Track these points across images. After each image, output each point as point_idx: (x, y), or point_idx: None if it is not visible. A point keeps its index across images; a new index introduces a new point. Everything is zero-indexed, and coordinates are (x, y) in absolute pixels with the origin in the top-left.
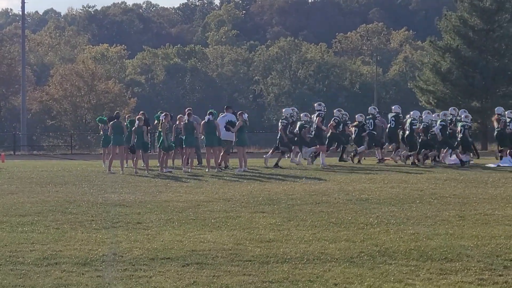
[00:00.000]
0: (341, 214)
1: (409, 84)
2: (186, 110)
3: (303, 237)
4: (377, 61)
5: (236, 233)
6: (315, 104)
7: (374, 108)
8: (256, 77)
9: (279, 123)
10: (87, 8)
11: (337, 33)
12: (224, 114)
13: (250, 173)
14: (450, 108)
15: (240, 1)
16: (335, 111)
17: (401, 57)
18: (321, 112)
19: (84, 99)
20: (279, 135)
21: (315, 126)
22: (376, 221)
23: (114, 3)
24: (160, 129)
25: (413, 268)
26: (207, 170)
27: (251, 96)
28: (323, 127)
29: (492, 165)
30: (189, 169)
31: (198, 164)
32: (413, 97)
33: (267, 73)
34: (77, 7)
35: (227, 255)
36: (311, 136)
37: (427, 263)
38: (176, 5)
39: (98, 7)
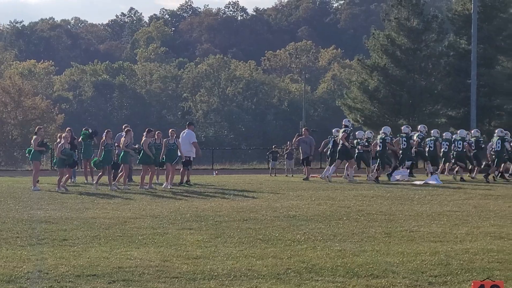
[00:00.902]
0: (268, 231)
1: (337, 102)
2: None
3: (230, 254)
4: (306, 79)
5: (163, 250)
6: (344, 120)
7: (407, 127)
8: (184, 94)
9: (340, 133)
10: (14, 24)
11: (266, 51)
12: (185, 131)
13: (178, 189)
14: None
15: (169, 18)
16: (403, 127)
17: (330, 75)
18: (348, 128)
19: (10, 115)
20: (339, 147)
21: (340, 142)
22: (303, 238)
23: (42, 19)
24: (102, 147)
25: (339, 284)
26: (146, 187)
27: (179, 113)
28: (346, 143)
29: (418, 182)
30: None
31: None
32: (341, 115)
33: (195, 90)
34: (4, 22)
35: (154, 272)
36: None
37: (354, 280)
38: (105, 22)
39: (26, 23)
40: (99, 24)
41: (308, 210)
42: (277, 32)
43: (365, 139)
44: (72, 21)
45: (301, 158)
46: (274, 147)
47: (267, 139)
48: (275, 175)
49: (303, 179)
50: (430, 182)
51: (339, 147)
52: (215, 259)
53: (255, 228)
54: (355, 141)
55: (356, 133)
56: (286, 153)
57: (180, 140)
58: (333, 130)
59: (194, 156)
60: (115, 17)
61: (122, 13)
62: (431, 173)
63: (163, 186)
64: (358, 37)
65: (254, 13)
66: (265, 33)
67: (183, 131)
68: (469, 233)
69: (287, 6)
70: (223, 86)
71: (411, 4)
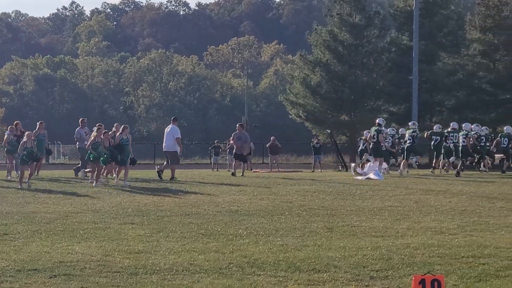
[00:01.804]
0: (210, 226)
1: (279, 97)
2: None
3: (172, 248)
4: (248, 74)
5: (105, 244)
6: (378, 119)
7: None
8: (126, 89)
9: (374, 132)
10: None
11: (208, 46)
12: (169, 126)
13: (119, 185)
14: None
15: (111, 12)
16: (473, 126)
17: (272, 70)
18: (381, 127)
19: None
20: (371, 145)
21: (374, 140)
22: (245, 232)
23: None
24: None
25: (281, 279)
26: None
27: (121, 107)
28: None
29: (360, 178)
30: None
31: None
32: (284, 110)
33: (137, 85)
34: None
35: (96, 266)
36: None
37: (295, 274)
38: (46, 15)
39: None
40: (40, 17)
41: (250, 205)
42: (220, 27)
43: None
44: (13, 15)
45: (235, 153)
46: (216, 142)
47: (209, 134)
48: (217, 170)
49: (241, 175)
50: (372, 177)
51: (371, 145)
52: (157, 254)
53: (197, 222)
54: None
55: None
56: (228, 148)
57: (164, 135)
58: (365, 132)
59: (178, 151)
60: (57, 11)
61: (64, 6)
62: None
63: (114, 181)
64: (301, 33)
65: (197, 8)
66: (208, 28)
67: (168, 126)
68: (410, 228)
69: (230, 1)
70: (165, 81)
71: (353, 0)
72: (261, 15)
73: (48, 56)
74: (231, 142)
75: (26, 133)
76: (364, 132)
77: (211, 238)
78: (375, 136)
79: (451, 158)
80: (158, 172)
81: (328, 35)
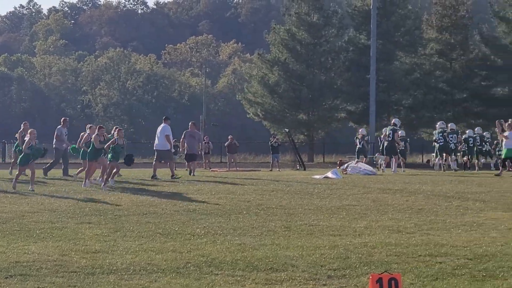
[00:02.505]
0: (168, 225)
1: (237, 96)
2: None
3: (129, 248)
4: (206, 73)
5: (62, 244)
6: (395, 119)
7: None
8: (84, 88)
9: (390, 132)
10: None
11: (166, 45)
12: (162, 126)
13: (78, 184)
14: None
15: (69, 11)
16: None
17: (230, 69)
18: (396, 127)
19: None
20: (386, 144)
21: (389, 139)
22: (203, 232)
23: None
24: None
25: (239, 278)
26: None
27: (79, 106)
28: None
29: (317, 177)
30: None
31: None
32: (242, 109)
33: (95, 84)
34: None
35: (52, 266)
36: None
37: (253, 273)
38: (3, 13)
39: None
40: None
41: (208, 204)
42: (178, 26)
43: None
44: None
45: (186, 153)
46: (175, 141)
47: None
48: (175, 169)
49: (189, 174)
50: (330, 176)
51: (386, 144)
52: (114, 253)
53: (154, 222)
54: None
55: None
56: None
57: (156, 134)
58: (383, 130)
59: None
60: (14, 9)
61: (21, 5)
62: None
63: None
64: (259, 32)
65: (155, 7)
66: (166, 26)
67: (160, 126)
68: (367, 227)
69: (188, 0)
70: (123, 80)
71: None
72: (219, 14)
73: (5, 54)
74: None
75: (29, 131)
76: (360, 130)
77: (169, 238)
78: (391, 135)
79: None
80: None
81: (286, 34)
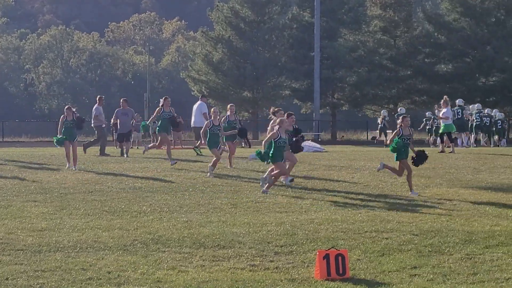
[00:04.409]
0: (114, 203)
1: (181, 74)
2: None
3: (76, 226)
4: (150, 51)
5: (8, 222)
6: (458, 100)
7: (461, 101)
8: (27, 66)
9: (459, 109)
10: None
11: (109, 22)
12: (198, 103)
13: (22, 163)
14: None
15: None
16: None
17: (174, 47)
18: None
19: None
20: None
21: (459, 117)
22: (149, 209)
23: None
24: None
25: (186, 255)
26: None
27: (22, 85)
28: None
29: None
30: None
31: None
32: (186, 87)
33: (38, 62)
34: None
35: None
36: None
37: (200, 250)
38: None
39: None
40: None
41: (154, 181)
42: (121, 4)
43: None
44: None
45: (118, 132)
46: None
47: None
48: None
49: (121, 155)
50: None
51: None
52: (61, 231)
53: (100, 200)
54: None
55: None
56: (133, 126)
57: (193, 111)
58: (382, 111)
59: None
60: None
61: None
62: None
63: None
64: (202, 9)
65: None
66: (109, 4)
67: (196, 103)
68: (313, 204)
69: None
70: (66, 58)
71: None
72: None
73: None
74: (136, 120)
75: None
76: (382, 111)
77: (115, 215)
78: (459, 113)
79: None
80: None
81: (229, 11)
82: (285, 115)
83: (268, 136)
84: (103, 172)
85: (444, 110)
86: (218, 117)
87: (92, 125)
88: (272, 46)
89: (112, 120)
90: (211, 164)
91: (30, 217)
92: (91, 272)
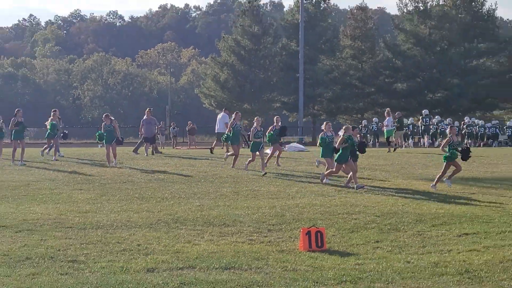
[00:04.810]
0: (142, 191)
1: (195, 90)
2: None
3: (113, 209)
4: (171, 72)
5: (59, 206)
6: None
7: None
8: (74, 84)
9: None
10: None
11: (139, 50)
12: (222, 114)
13: (70, 160)
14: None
15: (62, 23)
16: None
17: (189, 69)
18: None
19: None
20: None
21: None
22: (170, 196)
23: None
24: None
25: (198, 231)
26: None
27: (70, 98)
28: None
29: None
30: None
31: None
32: (199, 101)
33: (83, 81)
34: None
35: (52, 223)
36: None
37: (210, 228)
38: (10, 25)
39: None
40: (5, 27)
41: (174, 174)
42: (148, 36)
43: None
44: None
45: (144, 136)
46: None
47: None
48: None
49: (146, 155)
50: (269, 152)
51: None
52: (101, 213)
53: (132, 188)
54: None
55: None
56: (159, 130)
57: (217, 120)
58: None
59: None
60: (18, 22)
61: (24, 18)
62: None
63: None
64: (212, 40)
65: (130, 20)
66: (139, 36)
67: (220, 114)
68: (298, 192)
69: (156, 14)
70: (105, 78)
71: (253, 15)
72: (180, 26)
73: (12, 58)
74: (161, 126)
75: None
76: (363, 121)
77: (143, 201)
78: (427, 121)
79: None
80: (210, 149)
81: (233, 42)
82: (351, 128)
83: (339, 140)
84: (134, 167)
85: (386, 119)
86: (257, 124)
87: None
88: (266, 69)
89: (140, 127)
90: (246, 163)
91: (76, 202)
92: (125, 245)
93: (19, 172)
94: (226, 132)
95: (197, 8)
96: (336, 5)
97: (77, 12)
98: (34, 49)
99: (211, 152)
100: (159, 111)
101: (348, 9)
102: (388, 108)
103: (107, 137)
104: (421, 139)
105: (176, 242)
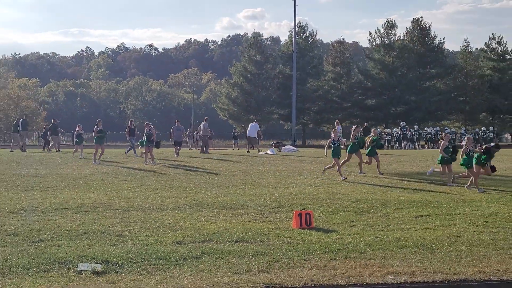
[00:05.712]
0: (173, 182)
1: (213, 105)
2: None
3: (149, 195)
4: (194, 91)
5: (108, 193)
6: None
7: (404, 122)
8: (120, 100)
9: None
10: (14, 55)
11: (169, 74)
12: (252, 123)
13: (118, 158)
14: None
15: (111, 54)
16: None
17: (208, 89)
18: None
19: (12, 111)
20: None
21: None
22: (193, 185)
23: (31, 52)
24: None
25: (215, 213)
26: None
27: (117, 111)
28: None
29: (261, 153)
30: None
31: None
32: (215, 113)
33: (127, 97)
34: (7, 54)
35: (103, 206)
36: None
37: (224, 210)
38: (71, 55)
39: (21, 55)
40: (68, 56)
41: (196, 169)
42: (177, 62)
43: None
44: (50, 54)
45: (175, 141)
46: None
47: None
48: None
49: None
50: (269, 153)
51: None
52: (140, 199)
53: (164, 180)
54: None
55: None
56: (187, 136)
57: (249, 127)
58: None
59: (256, 137)
60: (77, 52)
61: (82, 49)
62: None
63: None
64: (225, 66)
65: (162, 51)
66: (169, 63)
67: (251, 123)
68: (292, 183)
69: (182, 46)
70: (144, 95)
71: (257, 47)
72: (201, 55)
73: (72, 79)
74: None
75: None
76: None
77: (173, 189)
78: (405, 130)
79: None
80: (248, 151)
81: (241, 67)
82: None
83: (442, 146)
84: (166, 164)
85: (337, 127)
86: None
87: (201, 133)
88: (267, 88)
89: (170, 133)
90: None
91: (122, 190)
92: (159, 223)
93: (78, 167)
94: None
95: (214, 41)
96: (321, 40)
97: (123, 45)
98: (89, 73)
99: (248, 152)
100: (185, 121)
101: (330, 43)
102: (337, 119)
103: (146, 140)
104: (400, 144)
105: (198, 221)
